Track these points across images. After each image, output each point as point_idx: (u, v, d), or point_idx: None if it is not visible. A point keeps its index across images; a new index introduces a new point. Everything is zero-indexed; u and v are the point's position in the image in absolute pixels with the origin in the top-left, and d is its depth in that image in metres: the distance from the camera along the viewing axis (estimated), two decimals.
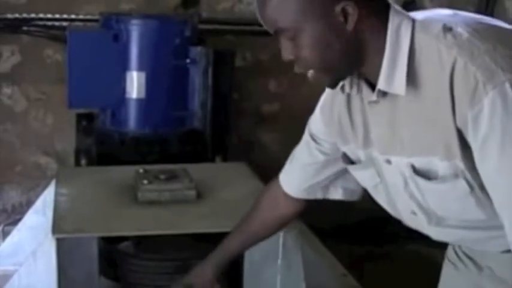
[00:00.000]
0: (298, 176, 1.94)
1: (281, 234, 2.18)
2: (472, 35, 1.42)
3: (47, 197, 2.57)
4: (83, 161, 2.99)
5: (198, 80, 2.97)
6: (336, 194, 1.92)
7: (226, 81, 3.05)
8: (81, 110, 3.13)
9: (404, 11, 1.54)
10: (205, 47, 2.99)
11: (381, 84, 1.51)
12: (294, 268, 2.13)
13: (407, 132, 1.55)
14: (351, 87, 1.62)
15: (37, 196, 3.07)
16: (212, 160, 2.99)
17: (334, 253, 2.62)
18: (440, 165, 1.50)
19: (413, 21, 1.50)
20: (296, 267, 2.12)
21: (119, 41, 2.90)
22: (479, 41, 1.41)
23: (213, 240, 2.39)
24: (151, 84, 2.92)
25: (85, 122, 3.12)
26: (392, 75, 1.50)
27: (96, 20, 3.16)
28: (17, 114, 3.53)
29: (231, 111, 3.11)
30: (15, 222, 3.11)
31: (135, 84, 2.91)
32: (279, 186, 1.97)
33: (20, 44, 3.44)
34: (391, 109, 1.54)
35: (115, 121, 2.98)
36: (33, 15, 3.37)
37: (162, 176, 2.39)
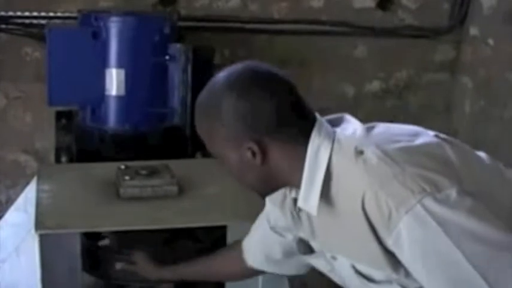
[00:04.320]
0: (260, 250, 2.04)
1: None
2: (381, 159, 1.47)
3: (28, 194, 2.56)
4: (63, 159, 2.98)
5: (178, 77, 2.97)
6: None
7: (205, 78, 3.04)
8: (61, 108, 3.12)
9: (328, 128, 1.59)
10: (184, 44, 3.00)
11: (300, 202, 1.60)
12: None
13: (338, 240, 1.63)
14: (290, 191, 1.72)
15: (17, 194, 3.06)
16: (192, 156, 3.00)
17: None
18: (374, 272, 1.58)
19: (334, 141, 1.55)
20: None
21: (98, 38, 2.90)
22: (387, 165, 1.46)
23: (193, 236, 2.43)
24: (130, 81, 2.92)
25: (64, 120, 3.11)
26: (309, 195, 1.57)
27: (74, 18, 3.15)
28: None
29: None
30: None
31: (114, 81, 2.91)
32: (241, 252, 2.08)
33: None
34: (320, 218, 1.61)
35: (95, 118, 2.98)
36: (11, 13, 3.35)
37: (144, 172, 2.41)
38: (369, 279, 1.60)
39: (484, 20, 3.84)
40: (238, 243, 2.10)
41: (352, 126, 1.61)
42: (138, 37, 2.95)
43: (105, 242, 2.48)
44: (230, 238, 2.30)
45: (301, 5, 3.76)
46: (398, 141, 1.53)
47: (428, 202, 1.39)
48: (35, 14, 3.36)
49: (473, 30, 3.93)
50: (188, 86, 2.97)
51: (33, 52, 3.45)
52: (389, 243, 1.45)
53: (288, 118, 1.57)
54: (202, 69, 3.00)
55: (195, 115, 1.70)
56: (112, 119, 2.97)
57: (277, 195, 1.78)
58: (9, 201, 3.33)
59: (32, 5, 3.37)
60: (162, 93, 3.00)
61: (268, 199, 1.87)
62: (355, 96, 3.92)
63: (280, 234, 1.94)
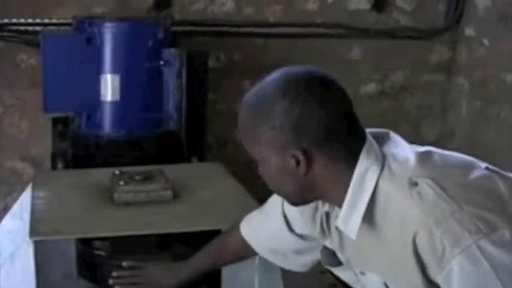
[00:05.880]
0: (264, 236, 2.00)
1: None
2: (438, 195, 1.44)
3: (23, 201, 2.56)
4: (60, 165, 2.98)
5: (172, 81, 2.98)
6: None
7: (200, 82, 3.06)
8: (57, 114, 3.13)
9: (377, 150, 1.53)
10: (179, 49, 3.00)
11: (339, 223, 1.56)
12: (271, 267, 2.15)
13: (374, 261, 1.60)
14: (323, 204, 1.68)
15: (14, 201, 3.06)
16: (188, 161, 3.00)
17: None
18: None
19: (383, 166, 1.51)
20: (273, 266, 2.13)
21: (92, 44, 2.91)
22: (444, 201, 1.43)
23: (188, 240, 2.42)
24: (125, 87, 2.93)
25: (61, 126, 3.12)
26: (350, 217, 1.53)
27: (69, 24, 3.16)
28: None
29: (206, 112, 3.13)
30: None
31: (109, 87, 2.92)
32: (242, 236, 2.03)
33: None
34: (358, 236, 1.56)
35: (90, 124, 2.98)
36: (6, 21, 3.36)
37: (138, 177, 2.40)
38: None
39: (479, 20, 3.85)
40: (236, 231, 2.05)
41: (402, 151, 1.57)
42: (132, 42, 2.96)
43: (103, 245, 2.47)
44: None
45: (295, 8, 3.76)
46: (453, 175, 1.50)
47: (484, 243, 1.37)
48: (29, 20, 3.37)
49: (468, 31, 3.93)
50: (183, 90, 2.98)
51: (28, 59, 3.46)
52: (438, 278, 1.42)
53: (339, 131, 1.51)
54: (197, 74, 3.00)
55: (240, 113, 1.61)
56: (107, 125, 2.98)
57: (307, 206, 1.74)
58: (7, 208, 3.31)
59: (27, 12, 3.38)
60: (157, 98, 3.01)
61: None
62: (352, 98, 3.91)
63: (299, 236, 1.90)
